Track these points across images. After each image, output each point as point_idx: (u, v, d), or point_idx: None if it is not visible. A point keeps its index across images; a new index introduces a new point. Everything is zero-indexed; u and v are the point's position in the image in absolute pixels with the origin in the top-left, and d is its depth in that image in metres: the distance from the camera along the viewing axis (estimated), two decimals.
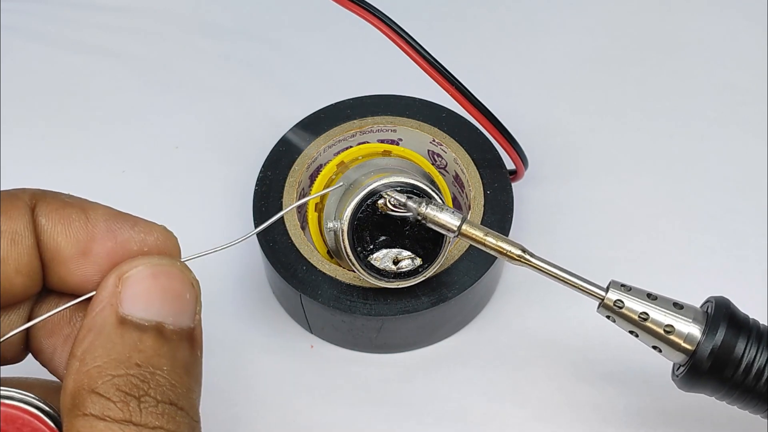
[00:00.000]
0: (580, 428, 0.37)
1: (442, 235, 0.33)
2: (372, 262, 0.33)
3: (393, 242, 0.33)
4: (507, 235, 0.38)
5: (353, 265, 0.33)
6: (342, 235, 0.32)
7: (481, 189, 0.39)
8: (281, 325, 0.40)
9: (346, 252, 0.32)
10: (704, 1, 0.54)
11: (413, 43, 0.35)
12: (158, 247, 0.26)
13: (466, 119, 0.41)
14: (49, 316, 0.26)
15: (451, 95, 0.36)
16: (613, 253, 0.42)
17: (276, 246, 0.37)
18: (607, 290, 0.30)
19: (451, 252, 0.37)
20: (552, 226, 0.44)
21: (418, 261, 0.33)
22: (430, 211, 0.31)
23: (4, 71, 0.50)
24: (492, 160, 0.40)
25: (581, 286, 0.30)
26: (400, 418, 0.37)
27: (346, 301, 0.36)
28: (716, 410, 0.31)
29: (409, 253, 0.33)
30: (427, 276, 0.34)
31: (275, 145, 0.41)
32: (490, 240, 0.31)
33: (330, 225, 0.33)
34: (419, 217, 0.31)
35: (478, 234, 0.31)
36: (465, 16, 0.54)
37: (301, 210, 0.40)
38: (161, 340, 0.24)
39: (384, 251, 0.33)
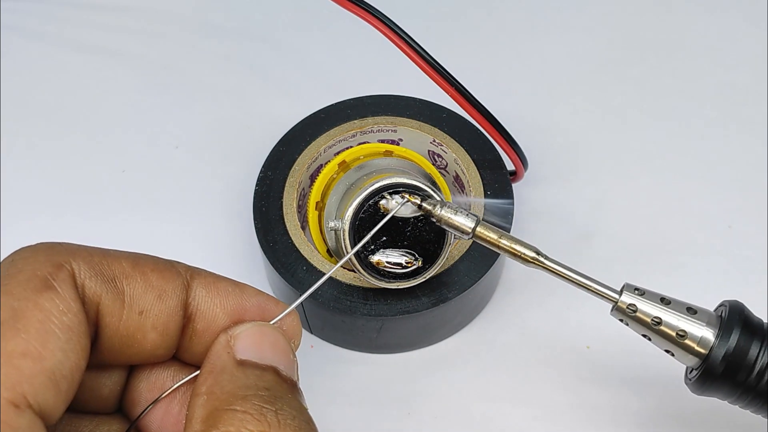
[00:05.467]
0: (579, 428, 0.37)
1: (443, 236, 0.33)
2: (373, 262, 0.33)
3: (394, 243, 0.33)
4: None
5: (354, 265, 0.33)
6: (343, 235, 0.32)
7: (482, 189, 0.39)
8: None
9: (347, 252, 0.32)
10: (704, 1, 0.54)
11: (412, 44, 0.35)
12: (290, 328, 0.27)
13: (467, 120, 0.41)
14: (189, 380, 0.26)
15: (450, 96, 0.36)
16: (612, 253, 0.42)
17: (276, 246, 0.37)
18: (620, 293, 0.30)
19: (451, 253, 0.37)
20: (552, 226, 0.44)
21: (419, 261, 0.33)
22: (445, 213, 0.31)
23: (4, 71, 0.50)
24: (492, 160, 0.40)
25: (595, 288, 0.30)
26: (400, 418, 0.37)
27: (346, 302, 0.36)
28: (717, 411, 0.31)
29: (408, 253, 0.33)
30: (428, 277, 0.34)
31: (275, 145, 0.41)
32: (505, 242, 0.31)
33: (331, 224, 0.33)
34: (434, 219, 0.31)
35: (492, 236, 0.31)
36: (465, 16, 0.54)
37: (302, 209, 0.40)
38: (280, 378, 0.24)
39: (385, 252, 0.33)
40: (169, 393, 0.26)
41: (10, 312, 0.21)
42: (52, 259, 0.23)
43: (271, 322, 0.26)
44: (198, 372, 0.25)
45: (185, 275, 0.26)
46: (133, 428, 0.27)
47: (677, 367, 0.30)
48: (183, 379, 0.26)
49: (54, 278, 0.22)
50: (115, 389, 0.27)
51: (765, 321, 0.30)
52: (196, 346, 0.26)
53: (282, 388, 0.24)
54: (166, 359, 0.26)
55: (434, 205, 0.31)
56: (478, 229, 0.31)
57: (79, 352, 0.22)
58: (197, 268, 0.27)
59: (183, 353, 0.26)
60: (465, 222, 0.31)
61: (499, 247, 0.31)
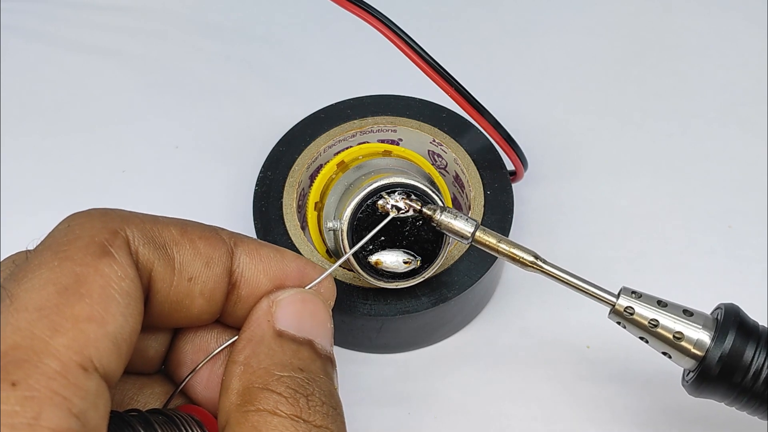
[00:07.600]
0: (579, 428, 0.37)
1: (442, 236, 0.33)
2: (371, 262, 0.33)
3: (393, 243, 0.33)
4: (507, 236, 0.38)
5: (352, 265, 0.33)
6: (342, 235, 0.32)
7: (481, 189, 0.39)
8: None
9: (346, 252, 0.32)
10: (704, 1, 0.54)
11: (412, 44, 0.35)
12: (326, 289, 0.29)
13: (467, 119, 0.41)
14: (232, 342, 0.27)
15: (450, 96, 0.36)
16: (612, 253, 0.42)
17: None
18: (618, 297, 0.30)
19: (451, 252, 0.37)
20: (552, 226, 0.44)
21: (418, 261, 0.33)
22: (444, 219, 0.31)
23: (4, 71, 0.50)
24: (492, 160, 0.40)
25: (593, 292, 0.30)
26: (400, 417, 0.37)
27: (346, 301, 0.36)
28: (716, 410, 0.31)
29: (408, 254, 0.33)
30: (427, 276, 0.34)
31: (275, 145, 0.41)
32: (504, 247, 0.31)
33: (330, 225, 0.33)
34: (434, 224, 0.32)
35: (491, 241, 0.31)
36: (465, 16, 0.54)
37: (301, 210, 0.40)
38: (315, 353, 0.25)
39: (384, 252, 0.33)
40: (212, 357, 0.27)
41: (73, 277, 0.21)
42: (108, 226, 0.23)
43: (308, 287, 0.27)
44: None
45: (229, 242, 0.26)
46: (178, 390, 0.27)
47: (677, 366, 0.30)
48: (226, 342, 0.27)
49: (111, 245, 0.23)
50: (161, 350, 0.27)
51: (761, 323, 0.30)
52: (240, 310, 0.27)
53: (315, 367, 0.25)
54: (209, 323, 0.27)
55: (434, 210, 0.31)
56: (477, 233, 0.31)
57: (137, 316, 0.23)
58: (239, 234, 0.27)
59: (227, 317, 0.27)
60: (464, 227, 0.31)
61: (498, 251, 0.31)
